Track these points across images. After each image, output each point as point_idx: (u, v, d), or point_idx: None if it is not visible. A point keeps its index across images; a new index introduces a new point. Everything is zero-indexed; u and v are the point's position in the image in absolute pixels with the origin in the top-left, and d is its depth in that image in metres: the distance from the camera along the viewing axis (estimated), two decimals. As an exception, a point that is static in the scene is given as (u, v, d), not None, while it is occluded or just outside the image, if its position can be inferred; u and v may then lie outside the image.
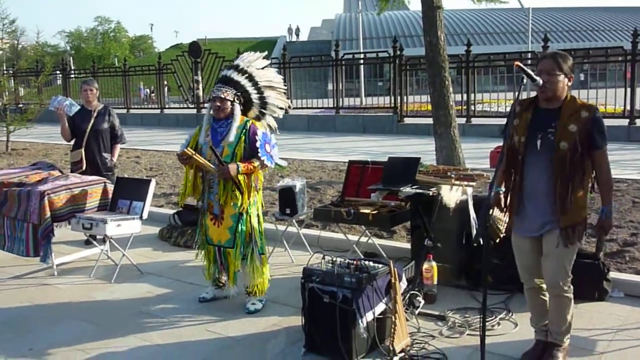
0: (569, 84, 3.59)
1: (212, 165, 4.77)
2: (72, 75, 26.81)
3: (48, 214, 5.80)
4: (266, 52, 5.33)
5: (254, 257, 4.92)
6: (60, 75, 26.81)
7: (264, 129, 5.03)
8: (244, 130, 4.83)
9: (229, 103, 4.84)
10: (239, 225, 4.87)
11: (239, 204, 4.84)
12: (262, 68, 5.13)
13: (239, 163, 4.75)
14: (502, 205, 3.78)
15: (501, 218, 3.92)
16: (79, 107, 6.96)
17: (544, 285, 3.81)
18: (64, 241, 6.85)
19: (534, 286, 3.83)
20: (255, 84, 5.05)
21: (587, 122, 3.49)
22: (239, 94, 4.93)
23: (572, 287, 3.70)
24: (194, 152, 4.74)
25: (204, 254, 5.16)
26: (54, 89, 29.21)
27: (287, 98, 5.38)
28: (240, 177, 4.78)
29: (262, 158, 4.79)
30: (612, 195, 3.67)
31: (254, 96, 5.06)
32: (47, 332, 4.66)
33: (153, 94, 29.08)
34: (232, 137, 4.78)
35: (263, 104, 5.14)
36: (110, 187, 6.34)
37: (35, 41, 75.79)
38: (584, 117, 3.50)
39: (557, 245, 3.57)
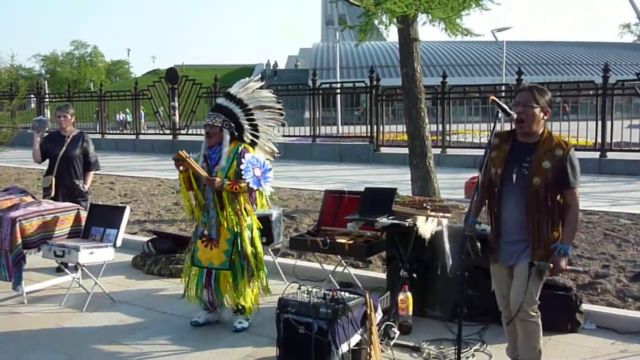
0: (545, 117, 3.65)
1: (203, 172, 4.86)
2: (47, 99, 26.59)
3: (19, 240, 5.71)
4: (259, 76, 5.44)
5: (245, 277, 4.99)
6: (35, 98, 26.58)
7: (259, 154, 5.15)
8: (236, 155, 4.95)
9: (217, 129, 4.97)
10: (234, 247, 4.95)
11: (233, 228, 4.93)
12: (253, 91, 5.21)
13: (225, 179, 4.86)
14: (473, 249, 3.79)
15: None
16: (44, 118, 6.98)
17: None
18: (34, 268, 6.72)
19: (509, 316, 3.84)
20: (244, 107, 5.14)
21: (561, 160, 3.55)
22: (227, 120, 5.01)
23: (539, 313, 3.72)
24: (187, 155, 4.83)
25: (187, 276, 5.15)
26: (28, 112, 28.95)
27: (281, 115, 5.40)
28: (225, 195, 4.88)
29: (247, 180, 4.86)
30: (573, 238, 3.69)
31: (243, 120, 5.14)
32: (16, 362, 4.55)
33: (129, 121, 28.99)
34: (223, 162, 4.93)
35: (253, 126, 5.20)
36: (84, 214, 6.26)
37: (9, 64, 75.18)
38: (558, 155, 3.56)
39: (526, 276, 3.61)
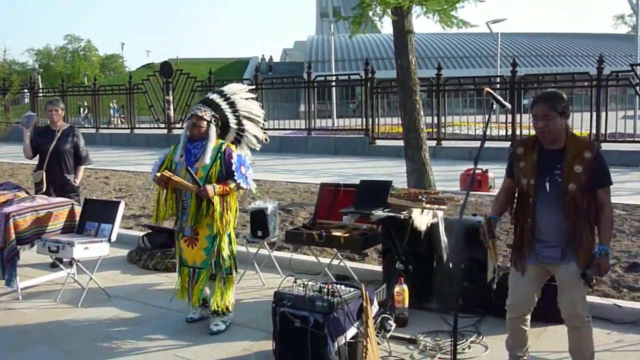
0: (567, 120, 3.61)
1: (190, 185, 4.76)
2: (40, 94, 26.47)
3: (13, 236, 5.69)
4: (254, 87, 5.42)
5: (219, 278, 4.91)
6: (28, 93, 26.45)
7: (240, 151, 5.10)
8: (219, 154, 4.85)
9: (205, 123, 4.87)
10: (214, 246, 4.87)
11: (214, 226, 4.83)
12: (246, 99, 5.22)
13: (215, 184, 4.76)
14: (490, 234, 3.75)
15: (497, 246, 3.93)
16: (32, 113, 6.98)
17: (528, 316, 3.84)
18: (29, 264, 6.70)
19: (520, 316, 3.83)
20: (235, 111, 5.14)
21: (591, 162, 3.52)
22: (217, 116, 4.97)
23: (590, 317, 3.69)
24: (171, 174, 4.75)
25: (179, 277, 5.11)
26: (21, 107, 28.81)
27: (264, 132, 5.46)
28: (216, 198, 4.78)
29: (238, 180, 4.81)
30: (611, 237, 3.65)
31: (232, 122, 5.13)
32: (13, 358, 4.54)
33: (123, 115, 28.89)
34: (207, 159, 4.80)
35: (240, 132, 5.21)
36: (78, 209, 6.24)
37: (2, 59, 74.85)
38: (587, 157, 3.52)
39: (576, 280, 3.56)
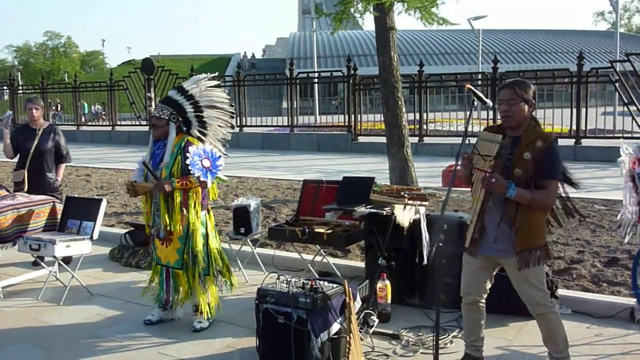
0: (531, 110, 3.66)
1: (149, 185, 4.80)
2: (20, 91, 26.19)
3: (-6, 235, 5.64)
4: (216, 73, 5.34)
5: (197, 278, 4.90)
6: (8, 90, 26.16)
7: (207, 145, 4.98)
8: (179, 150, 4.82)
9: (164, 122, 4.86)
10: (186, 246, 4.85)
11: (185, 225, 4.81)
12: (207, 87, 5.08)
13: (173, 179, 4.74)
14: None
15: None
16: (10, 112, 6.98)
17: (482, 303, 3.90)
18: (10, 262, 6.65)
19: (472, 301, 3.89)
20: (194, 103, 5.00)
21: (542, 151, 3.56)
22: (174, 113, 4.90)
23: (553, 302, 3.75)
24: (133, 181, 4.88)
25: (153, 275, 5.12)
26: (1, 104, 28.52)
27: (232, 117, 5.28)
28: (177, 194, 4.76)
29: (196, 174, 4.73)
30: (524, 199, 3.53)
31: (191, 115, 4.99)
32: (-8, 357, 4.51)
33: (104, 113, 28.66)
34: (167, 157, 4.81)
35: (201, 123, 5.06)
36: (59, 207, 6.20)
37: (-19, 56, 73.96)
38: (538, 146, 3.57)
39: (518, 270, 3.62)
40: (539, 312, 3.70)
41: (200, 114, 5.04)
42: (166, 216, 4.81)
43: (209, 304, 4.95)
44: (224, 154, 5.16)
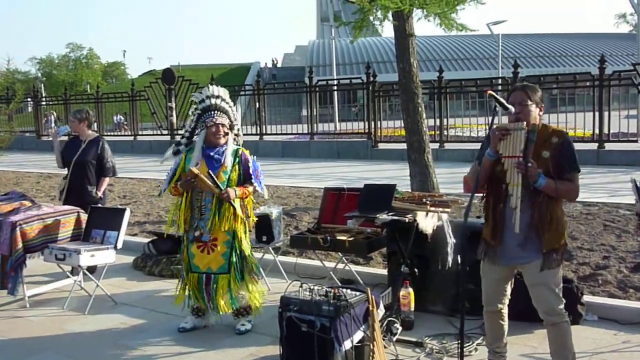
0: (540, 113, 3.67)
1: (214, 188, 4.83)
2: (44, 102, 26.54)
3: (20, 245, 5.71)
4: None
5: (245, 279, 5.02)
6: (32, 102, 26.53)
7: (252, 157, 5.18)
8: (237, 158, 5.00)
9: (226, 129, 5.03)
10: (233, 250, 4.96)
11: (231, 230, 4.94)
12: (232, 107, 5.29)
13: (235, 187, 4.89)
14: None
15: None
16: (67, 128, 7.01)
17: (505, 310, 3.87)
18: (36, 273, 6.72)
19: (495, 310, 3.86)
20: (234, 114, 5.22)
21: (558, 147, 3.56)
22: (231, 121, 5.12)
23: (566, 312, 3.69)
24: (199, 172, 4.81)
25: (184, 283, 5.14)
26: (24, 116, 28.91)
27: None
28: (237, 201, 4.93)
29: (254, 184, 4.97)
30: (554, 190, 3.53)
31: (235, 127, 5.21)
32: (19, 366, 4.56)
33: (125, 123, 28.91)
34: (228, 163, 4.95)
35: (237, 135, 5.28)
36: (84, 217, 6.26)
37: (5, 68, 75.07)
38: (554, 142, 3.57)
39: (540, 271, 3.58)
40: (554, 321, 3.64)
41: (237, 123, 5.29)
42: (217, 219, 4.90)
43: (250, 306, 5.06)
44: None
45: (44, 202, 7.66)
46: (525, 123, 3.55)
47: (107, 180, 7.04)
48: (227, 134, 5.02)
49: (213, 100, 5.08)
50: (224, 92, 5.16)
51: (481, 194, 3.84)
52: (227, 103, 5.16)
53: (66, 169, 6.87)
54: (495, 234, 3.70)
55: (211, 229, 4.91)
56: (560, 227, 3.64)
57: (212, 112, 5.02)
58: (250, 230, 5.27)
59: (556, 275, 3.63)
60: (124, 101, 23.42)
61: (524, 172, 3.50)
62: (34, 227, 5.85)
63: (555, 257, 3.60)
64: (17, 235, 5.70)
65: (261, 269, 6.14)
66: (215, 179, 4.82)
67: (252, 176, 4.98)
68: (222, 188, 4.83)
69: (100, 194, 6.88)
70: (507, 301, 3.87)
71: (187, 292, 5.13)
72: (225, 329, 5.09)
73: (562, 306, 3.65)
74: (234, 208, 4.91)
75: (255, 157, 5.33)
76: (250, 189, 4.99)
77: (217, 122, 4.96)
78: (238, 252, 5.00)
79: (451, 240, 5.10)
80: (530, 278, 3.67)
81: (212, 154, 4.98)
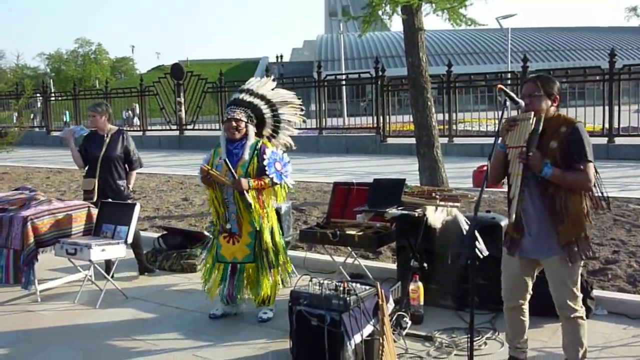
0: (554, 105, 3.62)
1: (226, 180, 4.94)
2: (52, 98, 26.66)
3: (31, 239, 5.76)
4: (272, 77, 5.55)
5: (265, 269, 5.11)
6: (41, 97, 26.65)
7: (275, 147, 5.25)
8: (256, 151, 5.04)
9: (243, 124, 5.06)
10: (257, 240, 5.06)
11: (255, 222, 5.03)
12: (273, 88, 5.37)
13: (249, 178, 4.95)
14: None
15: None
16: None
17: (525, 305, 3.85)
18: (47, 267, 6.77)
19: (516, 305, 3.85)
20: (268, 101, 5.27)
21: (566, 135, 3.51)
22: (251, 114, 5.13)
23: (583, 307, 3.68)
24: (210, 167, 4.97)
25: (211, 273, 5.25)
26: (34, 111, 29.05)
27: (302, 110, 5.54)
28: (252, 193, 4.97)
29: (270, 176, 4.98)
30: (562, 180, 3.50)
31: (267, 114, 5.27)
32: (33, 359, 4.59)
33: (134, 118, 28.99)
34: (246, 156, 5.01)
35: (276, 121, 5.34)
36: (94, 212, 6.29)
37: (14, 64, 75.47)
38: (562, 132, 3.52)
39: (559, 265, 3.57)
40: (570, 316, 3.63)
41: (276, 112, 5.32)
42: (242, 211, 5.02)
43: (270, 296, 5.13)
44: (293, 147, 5.51)
45: (54, 197, 7.70)
46: (533, 113, 3.53)
47: (135, 173, 6.86)
48: (242, 128, 5.05)
49: (238, 95, 5.21)
50: (258, 84, 5.27)
51: (501, 189, 3.83)
52: (257, 96, 5.21)
53: (88, 166, 6.57)
54: (517, 227, 3.68)
55: (237, 220, 5.05)
56: (578, 220, 3.58)
57: (230, 107, 5.13)
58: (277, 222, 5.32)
59: (575, 271, 3.61)
60: (133, 96, 23.48)
61: (524, 162, 3.49)
62: (46, 222, 5.89)
63: (575, 251, 3.54)
64: (28, 229, 5.74)
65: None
66: (233, 170, 4.90)
67: (267, 167, 4.97)
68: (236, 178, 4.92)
69: (131, 188, 6.80)
70: (528, 297, 3.84)
71: (213, 282, 5.24)
72: (235, 323, 5.11)
73: (578, 301, 3.63)
74: (261, 198, 5.02)
75: (290, 147, 5.49)
76: (267, 180, 5.00)
77: (230, 116, 5.05)
78: (261, 242, 5.07)
79: (467, 231, 5.09)
80: (550, 272, 3.66)
81: (232, 148, 5.08)
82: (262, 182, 4.99)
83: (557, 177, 3.48)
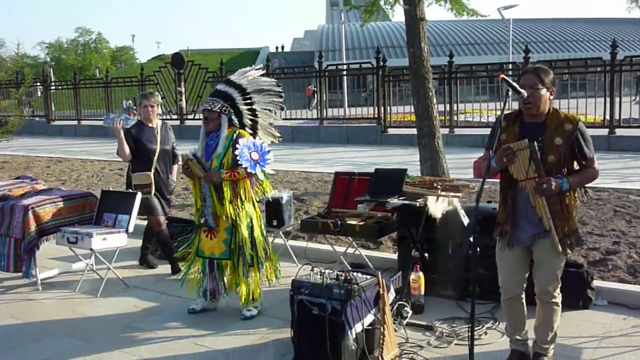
0: (551, 97, 3.66)
1: (199, 171, 4.89)
2: (53, 87, 26.59)
3: (32, 228, 5.76)
4: (261, 66, 5.42)
5: (240, 267, 4.96)
6: (41, 86, 26.60)
7: (257, 138, 5.10)
8: (231, 142, 4.91)
9: (215, 115, 4.94)
10: (233, 236, 4.94)
11: (230, 216, 4.91)
12: (254, 77, 5.20)
13: (222, 170, 4.85)
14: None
15: None
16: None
17: (523, 295, 3.88)
18: (48, 256, 6.78)
19: (513, 296, 3.86)
20: (243, 91, 5.10)
21: (572, 134, 3.57)
22: (225, 105, 4.98)
23: (560, 295, 3.77)
24: (190, 158, 4.90)
25: (191, 267, 5.19)
26: (34, 100, 29.00)
27: (281, 97, 5.33)
28: (226, 186, 4.86)
29: (244, 165, 4.80)
30: (578, 185, 3.66)
31: (241, 105, 5.09)
32: (34, 348, 4.61)
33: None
34: (220, 148, 4.91)
35: (251, 110, 5.15)
36: (96, 201, 6.29)
37: (14, 52, 75.30)
38: (568, 129, 3.57)
39: (551, 252, 3.63)
40: (548, 301, 3.75)
41: (249, 101, 5.12)
42: (217, 204, 4.92)
43: (253, 293, 5.03)
44: (278, 140, 5.33)
45: (54, 186, 7.70)
46: (527, 140, 3.54)
47: (176, 167, 6.58)
48: (213, 119, 4.93)
49: (217, 86, 5.13)
50: (239, 74, 5.17)
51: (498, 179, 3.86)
52: (234, 85, 5.08)
53: (136, 160, 6.24)
54: (509, 218, 3.71)
55: (213, 215, 4.95)
56: (571, 214, 3.67)
57: (208, 99, 5.05)
58: (259, 216, 5.20)
59: (563, 259, 3.72)
60: (133, 86, 23.42)
61: (543, 194, 3.53)
62: (47, 210, 5.89)
63: (567, 242, 3.66)
64: (29, 218, 5.74)
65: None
66: (201, 161, 4.88)
67: (239, 157, 4.76)
68: (205, 172, 4.87)
69: (175, 182, 6.68)
70: (524, 286, 3.87)
71: (194, 276, 5.19)
72: (236, 313, 5.12)
73: (558, 289, 3.74)
74: (237, 191, 4.92)
75: (276, 139, 5.38)
76: (241, 170, 4.84)
77: (204, 108, 4.99)
78: (237, 238, 4.95)
79: (466, 222, 5.10)
80: (540, 258, 3.72)
81: (208, 140, 5.02)
82: (236, 173, 4.85)
83: (574, 184, 3.61)
